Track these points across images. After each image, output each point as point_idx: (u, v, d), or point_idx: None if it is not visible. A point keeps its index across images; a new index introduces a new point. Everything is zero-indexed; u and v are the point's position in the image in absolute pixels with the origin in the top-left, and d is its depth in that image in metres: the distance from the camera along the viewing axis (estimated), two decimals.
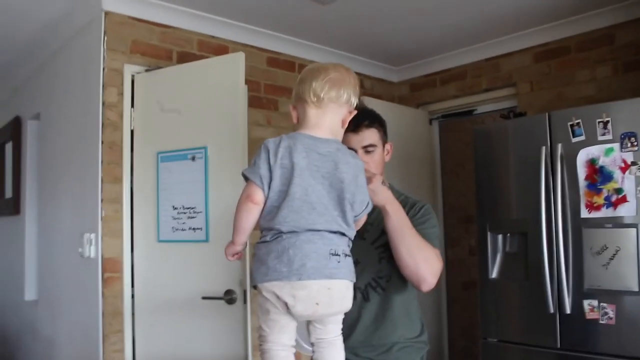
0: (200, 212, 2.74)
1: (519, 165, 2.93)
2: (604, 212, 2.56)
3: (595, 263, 2.57)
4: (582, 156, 2.63)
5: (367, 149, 1.81)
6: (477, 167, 3.15)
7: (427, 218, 1.83)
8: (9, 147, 4.32)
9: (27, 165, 4.00)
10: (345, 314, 1.59)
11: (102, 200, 2.85)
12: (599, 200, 2.57)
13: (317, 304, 1.45)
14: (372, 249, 1.83)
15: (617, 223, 2.52)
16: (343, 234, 1.53)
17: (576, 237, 2.64)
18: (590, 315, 2.57)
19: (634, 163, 2.48)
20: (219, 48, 3.32)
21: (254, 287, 1.52)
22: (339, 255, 1.49)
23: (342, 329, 1.60)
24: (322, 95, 1.53)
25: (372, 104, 3.22)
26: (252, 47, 3.47)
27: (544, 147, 2.76)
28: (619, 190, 2.51)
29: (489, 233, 3.03)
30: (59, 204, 3.40)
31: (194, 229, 2.75)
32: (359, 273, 1.59)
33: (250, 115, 3.31)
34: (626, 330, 2.47)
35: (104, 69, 2.89)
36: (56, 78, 3.55)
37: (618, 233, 2.51)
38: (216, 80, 2.78)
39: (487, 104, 4.06)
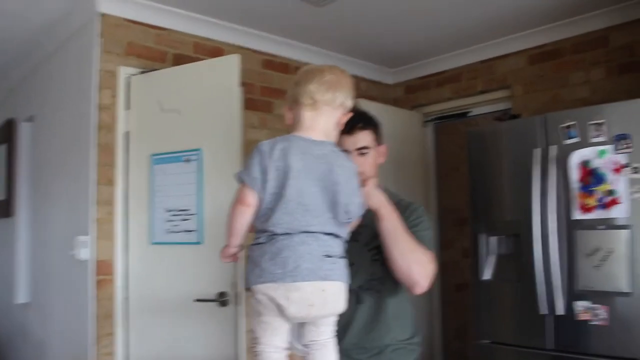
0: (194, 214, 2.73)
1: (512, 167, 2.94)
2: (597, 214, 2.57)
3: (588, 264, 2.58)
4: (576, 158, 2.64)
5: (361, 151, 1.81)
6: (471, 169, 3.15)
7: (421, 220, 1.83)
8: (2, 149, 4.29)
9: (20, 167, 3.98)
10: (339, 316, 1.59)
11: (95, 203, 2.84)
12: (592, 202, 2.58)
13: (311, 305, 1.46)
14: (365, 251, 1.83)
15: (610, 225, 2.53)
16: (337, 236, 1.54)
17: (569, 239, 2.65)
18: (582, 317, 2.58)
19: (627, 165, 2.49)
20: (214, 50, 3.32)
21: (248, 289, 1.52)
22: (333, 257, 1.50)
23: (336, 331, 1.60)
24: (317, 98, 1.53)
25: (367, 105, 3.23)
26: (247, 49, 3.47)
27: (537, 149, 2.77)
28: (611, 192, 2.52)
29: (482, 235, 3.04)
30: (52, 206, 3.39)
31: (187, 231, 2.74)
32: (352, 275, 1.59)
33: (245, 118, 3.30)
34: (618, 332, 2.48)
35: (99, 71, 2.89)
36: (50, 80, 3.54)
37: (610, 234, 2.52)
38: (211, 82, 2.78)
39: (482, 106, 4.07)
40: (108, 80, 2.91)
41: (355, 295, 1.80)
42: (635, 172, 2.47)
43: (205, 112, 2.77)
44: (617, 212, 2.51)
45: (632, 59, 3.17)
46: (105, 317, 2.82)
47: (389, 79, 4.48)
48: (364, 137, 1.82)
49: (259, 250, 1.49)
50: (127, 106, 2.95)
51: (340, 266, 1.52)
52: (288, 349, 1.55)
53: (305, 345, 1.57)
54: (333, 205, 1.51)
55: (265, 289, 1.46)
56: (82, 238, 2.86)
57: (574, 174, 2.64)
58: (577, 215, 2.63)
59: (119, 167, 2.92)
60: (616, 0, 3.12)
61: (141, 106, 2.94)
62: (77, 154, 3.03)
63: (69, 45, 3.25)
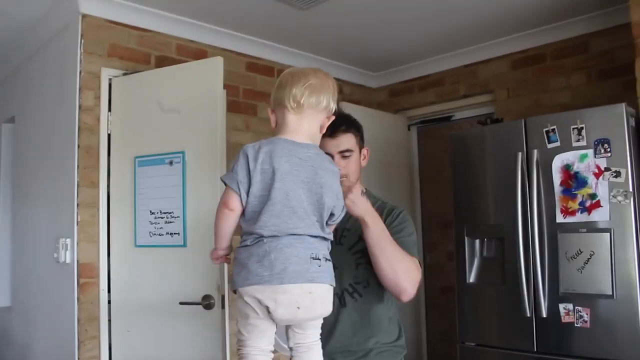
0: (178, 217, 2.71)
1: (495, 171, 2.96)
2: (579, 217, 2.60)
3: (571, 267, 2.60)
4: (557, 162, 2.67)
5: (344, 154, 1.81)
6: (455, 172, 3.18)
7: (404, 226, 1.84)
8: None
9: (1, 169, 3.92)
10: (323, 319, 1.59)
11: (78, 205, 2.80)
12: (574, 205, 2.61)
13: (298, 307, 1.46)
14: (349, 255, 1.83)
15: (591, 228, 2.56)
16: (323, 238, 1.54)
17: (552, 242, 2.68)
18: (565, 319, 2.60)
19: (607, 169, 2.52)
20: (198, 52, 3.31)
21: (234, 291, 1.52)
22: (320, 260, 1.50)
23: (320, 335, 1.60)
24: (301, 101, 1.53)
25: (351, 109, 3.25)
26: (231, 51, 3.47)
27: (520, 153, 2.79)
28: (593, 196, 2.56)
29: (466, 238, 3.06)
30: (33, 208, 3.35)
31: (171, 233, 2.72)
32: (336, 279, 1.58)
33: (229, 120, 3.29)
34: (600, 334, 2.50)
35: (80, 72, 2.86)
36: (32, 81, 3.49)
37: (592, 238, 2.55)
38: (195, 85, 2.76)
39: (465, 110, 4.10)
40: (90, 82, 2.88)
41: (339, 298, 1.80)
42: (616, 176, 2.50)
43: (188, 114, 2.75)
44: (599, 216, 2.54)
45: (612, 65, 3.22)
46: (89, 320, 2.79)
47: (373, 83, 4.49)
48: (346, 140, 1.83)
49: (245, 252, 1.49)
50: (110, 108, 2.93)
51: (327, 268, 1.52)
52: (274, 351, 1.55)
53: (291, 349, 1.57)
54: (319, 207, 1.51)
55: (253, 291, 1.45)
56: (64, 241, 2.83)
57: (556, 178, 2.67)
58: (560, 218, 2.66)
59: (102, 170, 2.89)
60: (597, 6, 3.17)
61: (124, 108, 2.91)
62: (60, 155, 2.99)
63: (51, 45, 3.22)
